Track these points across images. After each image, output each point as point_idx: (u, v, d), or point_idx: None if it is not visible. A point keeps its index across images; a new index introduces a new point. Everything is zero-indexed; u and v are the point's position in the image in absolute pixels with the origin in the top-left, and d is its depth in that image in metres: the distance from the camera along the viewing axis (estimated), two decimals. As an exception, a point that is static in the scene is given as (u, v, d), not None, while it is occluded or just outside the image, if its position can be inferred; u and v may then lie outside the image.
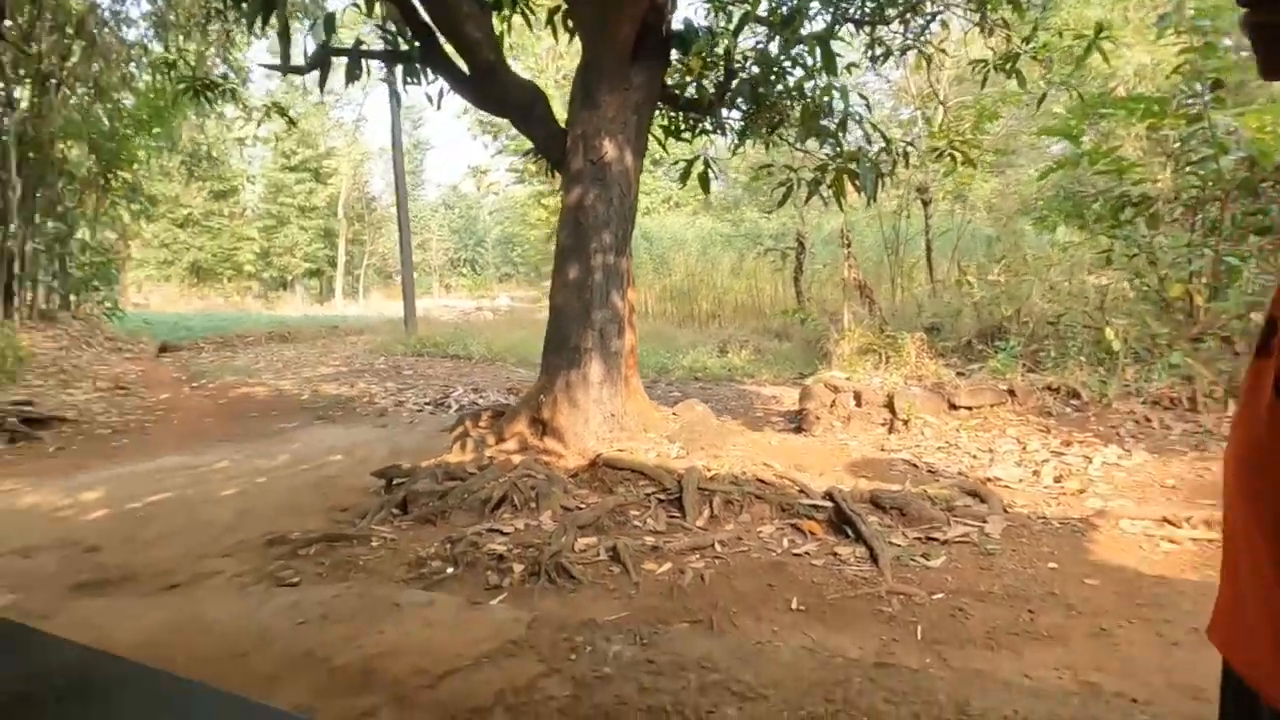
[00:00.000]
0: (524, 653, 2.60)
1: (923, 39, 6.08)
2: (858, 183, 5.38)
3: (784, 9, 5.27)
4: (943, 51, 7.19)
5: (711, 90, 5.63)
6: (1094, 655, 2.63)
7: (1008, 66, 5.70)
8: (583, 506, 4.06)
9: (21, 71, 12.56)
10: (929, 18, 5.98)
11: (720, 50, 5.33)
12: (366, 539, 3.87)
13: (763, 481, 4.22)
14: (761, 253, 14.73)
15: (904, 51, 6.46)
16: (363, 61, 5.34)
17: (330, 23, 4.88)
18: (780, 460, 4.68)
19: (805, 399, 6.49)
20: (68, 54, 13.18)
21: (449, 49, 5.23)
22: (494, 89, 5.17)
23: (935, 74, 9.51)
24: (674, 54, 5.38)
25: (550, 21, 6.01)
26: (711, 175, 5.82)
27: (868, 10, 5.72)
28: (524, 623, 2.82)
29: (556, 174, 5.52)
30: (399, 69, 5.93)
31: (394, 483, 4.60)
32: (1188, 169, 6.86)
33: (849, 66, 6.67)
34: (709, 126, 6.45)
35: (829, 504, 3.92)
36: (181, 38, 13.62)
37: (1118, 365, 6.27)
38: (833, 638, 2.80)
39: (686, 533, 3.81)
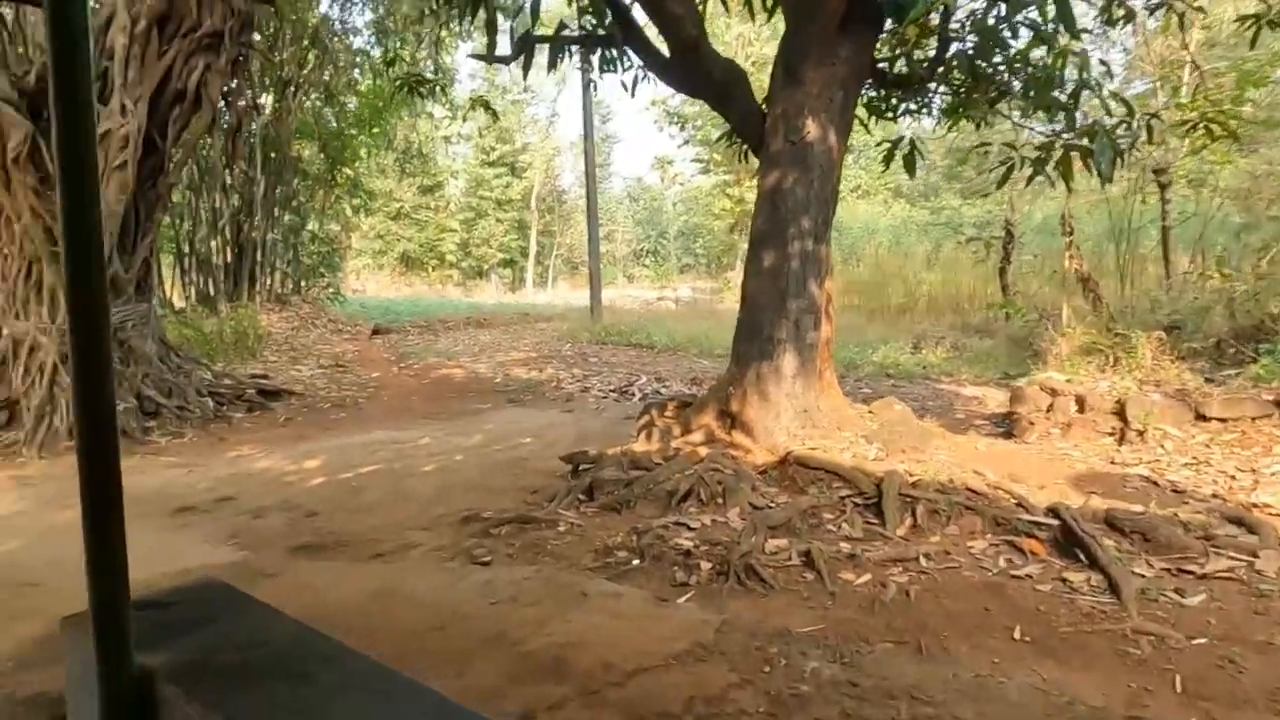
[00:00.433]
0: (714, 659, 2.47)
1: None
2: (1090, 161, 4.76)
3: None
4: (1199, 9, 6.22)
5: (924, 64, 5.18)
6: None
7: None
8: (772, 505, 3.87)
9: (266, 79, 14.17)
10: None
11: (935, 19, 4.88)
12: (554, 523, 3.91)
13: (973, 491, 3.82)
14: (963, 242, 13.63)
15: (1153, 10, 5.64)
16: (561, 50, 5.41)
17: (535, 9, 4.97)
18: (991, 468, 4.22)
19: (1016, 402, 5.98)
20: (304, 62, 14.73)
21: (647, 34, 5.17)
22: (697, 67, 5.03)
23: (1187, 35, 8.29)
24: (887, 23, 4.98)
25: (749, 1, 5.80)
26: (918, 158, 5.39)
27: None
28: (713, 626, 2.69)
29: (745, 161, 5.31)
30: (594, 57, 5.97)
31: (580, 468, 4.64)
32: None
33: (1079, 32, 5.93)
34: (913, 106, 5.98)
35: (1054, 521, 3.49)
36: (399, 43, 14.81)
37: None
38: (1068, 679, 2.44)
39: (886, 542, 3.52)
